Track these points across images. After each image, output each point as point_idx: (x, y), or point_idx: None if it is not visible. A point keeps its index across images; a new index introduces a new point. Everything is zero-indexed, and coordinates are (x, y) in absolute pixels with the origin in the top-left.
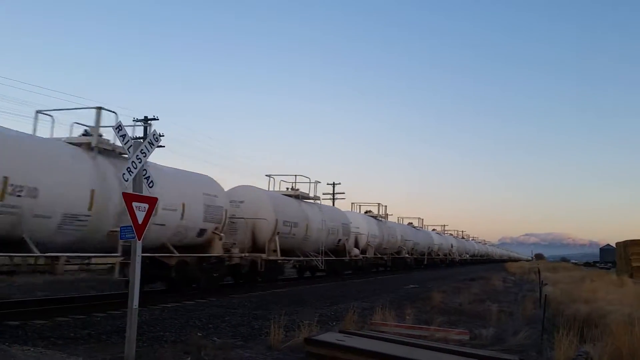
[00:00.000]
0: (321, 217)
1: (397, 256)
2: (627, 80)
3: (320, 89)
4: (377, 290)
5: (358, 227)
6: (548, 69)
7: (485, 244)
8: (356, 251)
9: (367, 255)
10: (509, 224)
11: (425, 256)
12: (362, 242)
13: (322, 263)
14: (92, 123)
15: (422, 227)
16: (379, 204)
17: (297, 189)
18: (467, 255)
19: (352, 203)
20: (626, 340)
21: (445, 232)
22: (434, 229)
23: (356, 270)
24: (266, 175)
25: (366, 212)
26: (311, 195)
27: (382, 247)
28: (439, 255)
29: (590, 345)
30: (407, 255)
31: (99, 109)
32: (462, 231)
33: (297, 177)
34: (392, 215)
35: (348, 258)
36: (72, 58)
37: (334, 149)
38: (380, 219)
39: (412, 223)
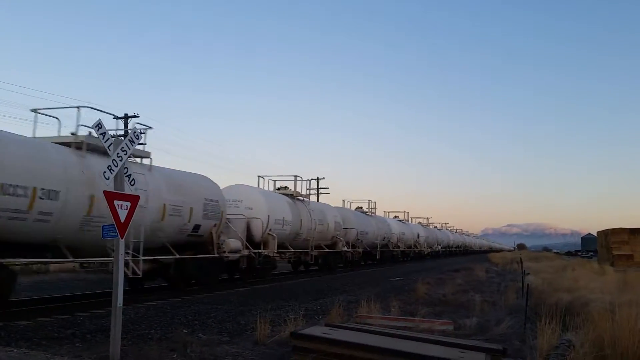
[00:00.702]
0: (313, 214)
1: (386, 250)
2: (605, 71)
3: (308, 85)
4: (363, 284)
5: (348, 223)
6: (528, 60)
7: (463, 234)
8: (346, 245)
9: (358, 249)
10: (491, 215)
11: (412, 249)
12: (352, 237)
13: (312, 258)
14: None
15: (407, 221)
16: (369, 200)
17: (289, 188)
18: (439, 247)
19: (343, 200)
20: (608, 328)
21: (430, 225)
22: (419, 222)
23: (347, 264)
24: (259, 176)
25: (357, 209)
26: (303, 193)
27: (370, 241)
28: (399, 247)
29: (572, 333)
30: (395, 249)
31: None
32: (445, 223)
33: (289, 176)
34: (376, 210)
35: (338, 251)
36: (59, 56)
37: (321, 144)
38: (370, 214)
39: (397, 216)
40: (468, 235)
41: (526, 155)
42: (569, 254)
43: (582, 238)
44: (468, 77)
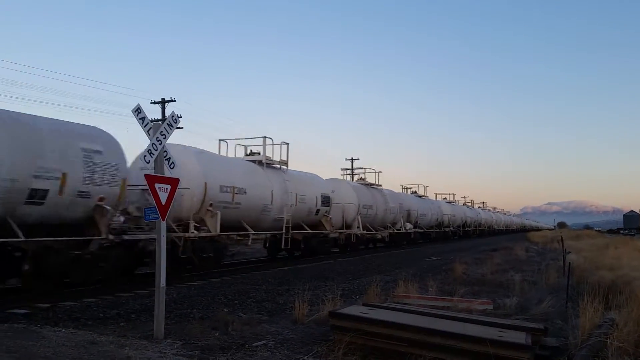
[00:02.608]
0: (290, 185)
1: (439, 230)
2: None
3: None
4: (398, 263)
5: (344, 197)
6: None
7: (503, 213)
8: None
9: (353, 231)
10: (531, 193)
11: (460, 229)
12: (351, 214)
13: (286, 240)
14: None
15: (455, 202)
16: (373, 170)
17: (259, 153)
18: (486, 227)
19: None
20: None
21: (472, 204)
22: (464, 204)
23: (344, 247)
24: (219, 140)
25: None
26: (278, 159)
27: (378, 220)
28: (449, 227)
29: (615, 311)
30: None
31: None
32: (484, 202)
33: (258, 138)
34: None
35: (327, 232)
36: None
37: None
38: (376, 187)
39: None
40: (508, 214)
41: (566, 132)
42: (610, 231)
43: (624, 215)
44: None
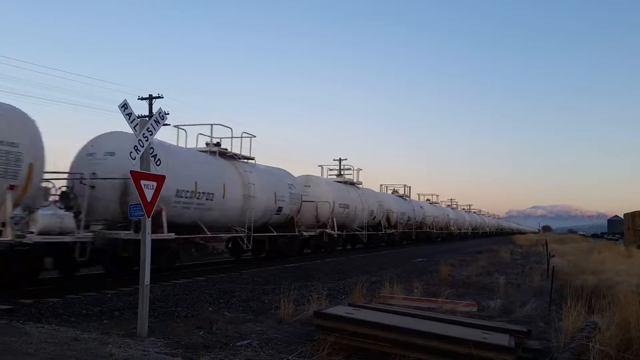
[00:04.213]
0: (252, 180)
1: (421, 231)
2: (634, 54)
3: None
4: (385, 264)
5: (318, 195)
6: (556, 40)
7: (488, 215)
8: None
9: (326, 231)
10: (516, 197)
11: (443, 230)
12: (324, 213)
13: (249, 241)
14: None
15: (437, 203)
16: (351, 166)
17: (219, 143)
18: (469, 229)
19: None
20: (634, 311)
21: (457, 207)
22: (448, 205)
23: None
24: (174, 126)
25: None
26: (247, 154)
27: (356, 220)
28: (433, 229)
29: (598, 315)
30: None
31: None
32: (470, 205)
33: (215, 126)
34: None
35: (295, 233)
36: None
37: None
38: (355, 185)
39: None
40: (493, 217)
41: (552, 136)
42: (595, 236)
43: (608, 220)
44: (490, 58)
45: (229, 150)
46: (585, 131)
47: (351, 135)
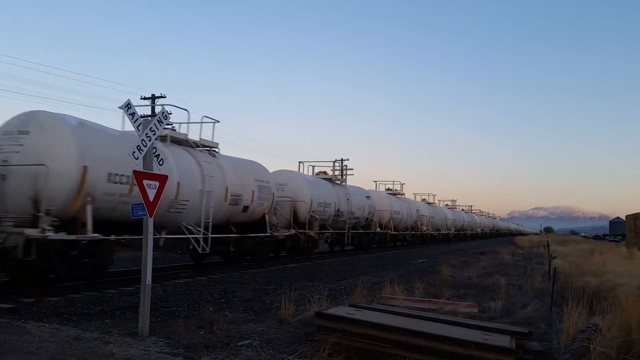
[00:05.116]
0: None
1: (416, 232)
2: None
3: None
4: (387, 265)
5: (296, 192)
6: (558, 41)
7: (489, 217)
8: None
9: (305, 231)
10: (518, 198)
11: (440, 232)
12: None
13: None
14: None
15: (435, 204)
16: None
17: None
18: (469, 231)
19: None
20: (635, 312)
21: (457, 207)
22: (446, 205)
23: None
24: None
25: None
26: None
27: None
28: (429, 230)
29: (599, 317)
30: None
31: None
32: (471, 206)
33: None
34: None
35: (267, 234)
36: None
37: (342, 127)
38: (339, 182)
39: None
40: (494, 218)
41: (554, 138)
42: (596, 237)
43: (610, 222)
44: (494, 59)
45: (187, 136)
46: (588, 132)
47: (351, 135)
